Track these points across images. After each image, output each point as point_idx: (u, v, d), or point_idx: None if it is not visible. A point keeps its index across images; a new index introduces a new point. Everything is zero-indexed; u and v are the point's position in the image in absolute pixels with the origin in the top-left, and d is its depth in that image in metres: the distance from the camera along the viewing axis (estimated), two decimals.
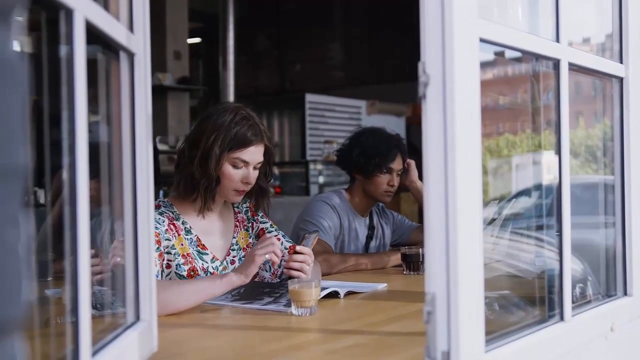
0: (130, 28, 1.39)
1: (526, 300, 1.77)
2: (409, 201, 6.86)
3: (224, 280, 2.04)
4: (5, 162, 0.58)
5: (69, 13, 1.03)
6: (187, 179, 2.26)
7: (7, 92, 0.59)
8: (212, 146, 2.21)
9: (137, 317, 1.41)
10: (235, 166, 2.26)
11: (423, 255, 2.71)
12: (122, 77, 1.39)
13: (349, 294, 2.24)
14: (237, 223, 2.45)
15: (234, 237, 2.41)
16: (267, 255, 2.05)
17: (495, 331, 1.38)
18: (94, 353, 1.12)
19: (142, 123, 1.42)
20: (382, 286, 2.42)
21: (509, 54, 1.59)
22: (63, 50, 1.05)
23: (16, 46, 0.63)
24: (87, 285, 1.05)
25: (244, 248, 2.42)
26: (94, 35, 1.15)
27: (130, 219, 1.41)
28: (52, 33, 1.06)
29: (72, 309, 1.04)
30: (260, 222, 2.50)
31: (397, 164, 3.09)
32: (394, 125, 6.98)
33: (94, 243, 1.10)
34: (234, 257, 2.38)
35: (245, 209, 2.50)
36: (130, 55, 1.39)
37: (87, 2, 1.08)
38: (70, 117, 1.04)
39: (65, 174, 1.04)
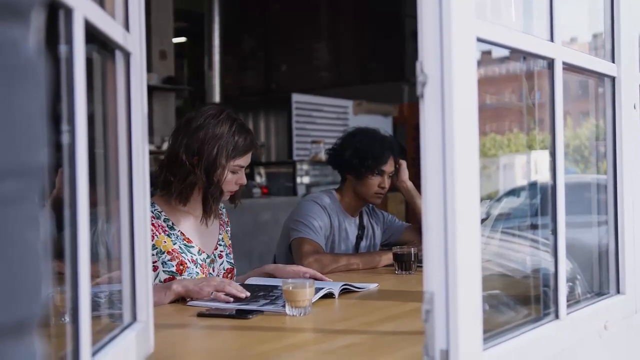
0: (127, 27, 1.38)
1: (520, 299, 1.78)
2: (395, 201, 6.88)
3: (169, 291, 2.11)
4: (26, 161, 0.58)
5: (69, 12, 1.02)
6: (190, 186, 2.33)
7: (29, 92, 0.59)
8: (218, 157, 2.30)
9: (134, 318, 1.40)
10: (233, 172, 2.36)
11: (415, 254, 2.73)
12: (118, 77, 1.38)
13: (343, 292, 2.25)
14: (221, 222, 2.55)
15: (219, 234, 2.51)
16: (212, 295, 2.08)
17: (493, 329, 1.38)
18: (94, 353, 1.11)
19: (138, 123, 1.41)
20: (374, 286, 2.42)
21: (496, 53, 1.60)
22: (62, 49, 1.04)
23: (35, 45, 0.63)
24: (87, 287, 1.04)
25: (228, 245, 2.53)
26: (91, 35, 1.14)
27: (126, 219, 1.40)
28: (50, 31, 1.06)
29: (72, 310, 1.03)
30: (229, 233, 2.61)
31: (389, 166, 3.10)
32: (381, 125, 6.98)
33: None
34: (220, 251, 2.48)
35: (224, 213, 2.60)
36: (127, 55, 1.38)
37: (86, 1, 1.07)
38: (70, 117, 1.03)
39: (65, 174, 1.03)
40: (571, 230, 1.81)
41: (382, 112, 8.53)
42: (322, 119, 8.41)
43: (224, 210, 2.60)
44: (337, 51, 10.21)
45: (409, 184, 3.22)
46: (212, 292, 2.09)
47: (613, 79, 1.88)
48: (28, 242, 0.58)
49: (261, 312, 1.96)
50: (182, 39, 10.81)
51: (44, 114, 0.62)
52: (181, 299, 2.15)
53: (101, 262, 1.52)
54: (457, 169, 1.20)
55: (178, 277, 2.27)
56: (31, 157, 0.59)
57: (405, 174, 3.21)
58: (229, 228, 2.60)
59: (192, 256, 2.35)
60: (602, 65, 1.84)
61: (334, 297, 2.18)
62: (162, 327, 1.72)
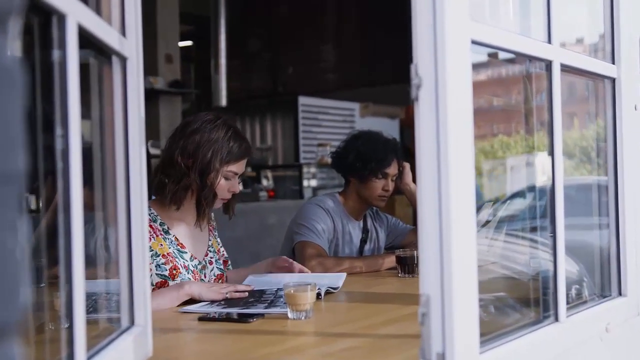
0: (123, 32, 1.39)
1: (521, 301, 1.78)
2: (402, 204, 6.85)
3: (182, 292, 2.16)
4: (5, 167, 0.59)
5: (62, 18, 1.02)
6: (184, 189, 2.35)
7: (7, 98, 0.59)
8: (212, 161, 2.33)
9: (132, 322, 1.41)
10: (226, 178, 2.39)
11: (418, 257, 2.71)
12: (115, 82, 1.39)
13: (327, 293, 2.29)
14: (211, 228, 2.58)
15: (209, 240, 2.54)
16: (227, 295, 2.20)
17: (491, 332, 1.38)
18: (89, 358, 1.11)
19: (135, 128, 1.41)
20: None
21: (502, 55, 1.60)
22: (55, 54, 1.05)
23: (14, 51, 0.63)
24: (81, 291, 1.05)
25: (217, 251, 2.56)
26: (86, 40, 1.15)
27: (124, 224, 1.41)
28: (44, 37, 1.06)
29: (67, 315, 1.03)
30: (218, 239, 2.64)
31: (392, 169, 3.09)
32: (387, 127, 6.98)
33: (87, 249, 1.10)
34: (211, 258, 2.51)
35: (212, 218, 2.63)
36: (123, 60, 1.38)
37: (79, 7, 1.08)
38: (64, 122, 1.04)
39: (59, 180, 1.04)
40: (578, 232, 1.80)
41: (388, 114, 8.53)
42: (329, 122, 8.42)
43: (213, 215, 2.62)
44: (343, 53, 10.20)
45: (413, 186, 3.20)
46: (227, 293, 2.19)
47: (613, 80, 1.87)
48: (6, 247, 0.59)
49: (262, 315, 1.96)
50: (188, 43, 10.82)
51: (22, 120, 0.63)
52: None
53: (105, 266, 1.53)
54: (452, 172, 1.20)
55: (171, 282, 2.29)
56: (9, 163, 0.60)
57: (409, 176, 3.20)
58: (216, 232, 2.62)
59: (184, 262, 2.37)
60: (601, 66, 1.84)
61: (321, 299, 2.19)
62: (161, 331, 1.72)
